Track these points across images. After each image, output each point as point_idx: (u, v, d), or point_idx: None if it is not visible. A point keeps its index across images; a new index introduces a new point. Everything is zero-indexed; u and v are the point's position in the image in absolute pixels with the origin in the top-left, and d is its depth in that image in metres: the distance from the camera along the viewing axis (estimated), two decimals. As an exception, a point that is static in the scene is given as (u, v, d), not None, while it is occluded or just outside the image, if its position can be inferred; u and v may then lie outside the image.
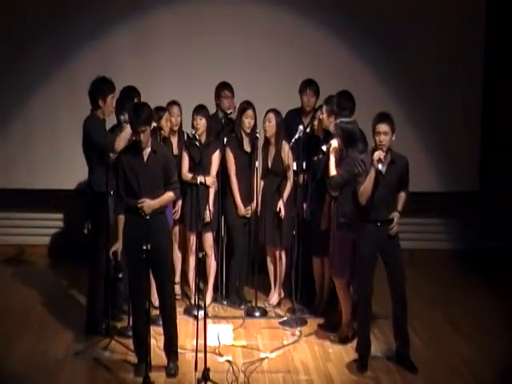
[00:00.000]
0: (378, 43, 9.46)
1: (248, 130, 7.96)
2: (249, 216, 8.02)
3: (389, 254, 6.74)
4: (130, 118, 6.49)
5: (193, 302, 7.88)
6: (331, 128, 7.29)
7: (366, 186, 6.59)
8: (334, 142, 7.11)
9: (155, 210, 6.48)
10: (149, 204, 6.44)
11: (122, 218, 6.58)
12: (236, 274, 8.14)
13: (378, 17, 9.43)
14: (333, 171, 7.04)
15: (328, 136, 7.41)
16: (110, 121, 7.50)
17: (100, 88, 7.22)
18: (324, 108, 7.51)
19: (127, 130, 6.94)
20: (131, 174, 6.47)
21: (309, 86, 8.16)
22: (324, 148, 7.22)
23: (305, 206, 7.73)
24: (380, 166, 6.50)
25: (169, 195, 6.59)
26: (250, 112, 7.92)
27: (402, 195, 6.82)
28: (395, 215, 6.72)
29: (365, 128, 7.45)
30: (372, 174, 6.55)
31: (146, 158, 6.49)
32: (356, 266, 6.84)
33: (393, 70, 9.53)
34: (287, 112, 8.21)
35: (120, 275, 7.38)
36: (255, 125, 8.00)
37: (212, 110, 8.22)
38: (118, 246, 6.60)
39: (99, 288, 7.30)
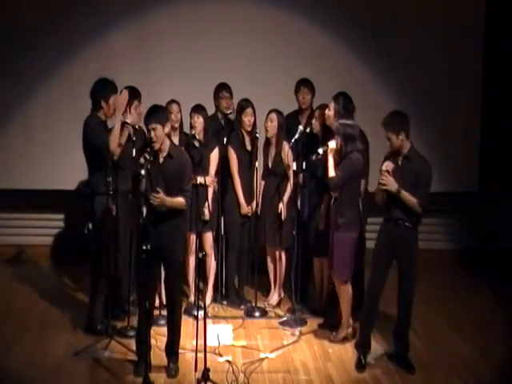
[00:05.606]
0: (378, 43, 9.46)
1: (248, 129, 7.95)
2: (250, 215, 8.02)
3: (400, 258, 6.67)
4: (144, 116, 6.55)
5: (192, 301, 7.88)
6: (334, 127, 7.26)
7: (377, 191, 6.63)
8: (332, 144, 7.10)
9: (164, 214, 6.45)
10: (163, 197, 6.40)
11: None
12: (235, 274, 8.14)
13: (378, 17, 9.44)
14: (331, 172, 7.04)
15: (327, 134, 7.40)
16: (110, 120, 7.49)
17: (102, 89, 7.21)
18: (332, 105, 7.46)
19: (116, 127, 6.99)
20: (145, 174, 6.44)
21: (303, 84, 8.19)
22: (320, 151, 7.18)
23: (299, 204, 7.72)
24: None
25: (180, 200, 6.51)
26: (249, 110, 7.92)
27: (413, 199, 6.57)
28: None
29: (365, 128, 7.47)
30: None
31: (161, 161, 6.50)
32: (355, 265, 6.84)
33: (393, 70, 9.53)
34: (285, 115, 8.12)
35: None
36: (255, 124, 7.99)
37: (211, 110, 8.21)
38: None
39: (100, 288, 7.30)
